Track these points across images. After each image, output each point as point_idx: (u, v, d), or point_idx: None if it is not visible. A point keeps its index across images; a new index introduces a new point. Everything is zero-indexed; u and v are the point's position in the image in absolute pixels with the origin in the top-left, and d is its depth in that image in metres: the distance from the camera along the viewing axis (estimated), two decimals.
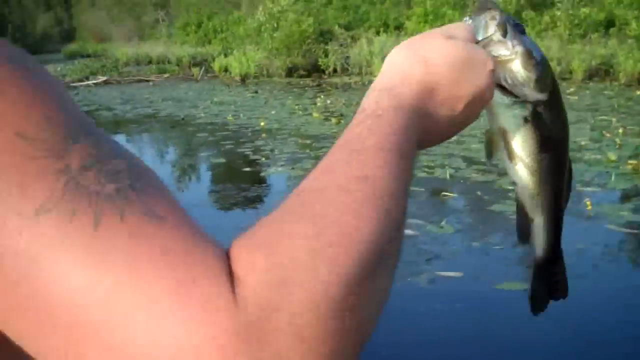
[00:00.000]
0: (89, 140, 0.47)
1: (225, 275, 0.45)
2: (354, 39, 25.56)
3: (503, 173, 8.36)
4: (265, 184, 8.93)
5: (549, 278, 0.93)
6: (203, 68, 27.40)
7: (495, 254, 5.70)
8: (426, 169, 8.82)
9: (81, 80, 24.83)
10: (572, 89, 17.29)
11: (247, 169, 9.70)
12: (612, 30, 23.61)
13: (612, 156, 8.94)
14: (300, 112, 14.86)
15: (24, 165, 0.44)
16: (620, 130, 10.96)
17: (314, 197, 0.53)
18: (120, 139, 12.21)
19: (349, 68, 23.97)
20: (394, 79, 0.68)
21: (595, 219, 6.54)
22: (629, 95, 15.91)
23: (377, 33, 26.51)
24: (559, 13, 24.97)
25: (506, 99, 0.78)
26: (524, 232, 0.90)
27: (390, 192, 0.55)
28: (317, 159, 0.53)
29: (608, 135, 10.72)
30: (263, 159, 10.20)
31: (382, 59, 0.72)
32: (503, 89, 0.77)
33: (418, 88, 0.67)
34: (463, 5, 25.47)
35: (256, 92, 20.18)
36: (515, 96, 0.78)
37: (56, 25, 70.99)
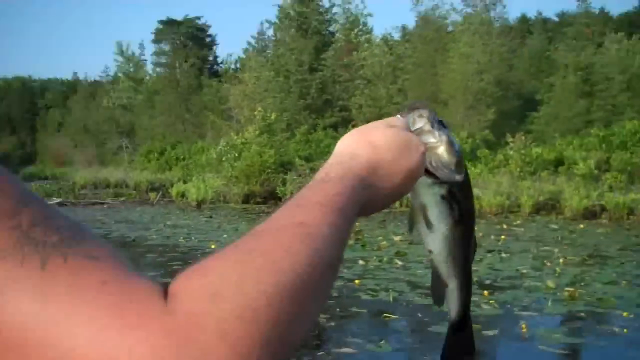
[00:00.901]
0: (36, 205, 0.57)
1: (158, 293, 0.52)
2: (314, 170, 26.01)
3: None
4: None
5: (461, 337, 1.04)
6: (160, 192, 27.57)
7: None
8: (370, 292, 8.88)
9: None
10: (519, 222, 17.71)
11: None
12: (561, 168, 24.49)
13: (551, 284, 9.11)
14: None
15: None
16: (561, 260, 11.22)
17: (252, 237, 0.62)
18: None
19: None
20: (344, 156, 0.80)
21: (529, 340, 6.63)
22: (573, 228, 16.34)
23: None
24: (511, 152, 25.88)
25: (429, 180, 0.91)
26: (438, 296, 1.02)
27: (324, 237, 0.64)
28: None
29: (549, 264, 10.95)
30: None
31: None
32: (426, 171, 0.90)
33: (366, 165, 0.78)
34: None
35: (210, 216, 20.32)
36: (436, 177, 0.90)
37: (18, 149, 71.15)
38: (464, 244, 0.96)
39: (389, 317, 7.68)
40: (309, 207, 0.68)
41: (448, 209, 0.92)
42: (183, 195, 26.12)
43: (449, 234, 0.93)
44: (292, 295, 0.56)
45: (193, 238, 14.93)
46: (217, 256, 0.58)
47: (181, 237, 15.06)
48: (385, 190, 0.80)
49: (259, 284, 0.54)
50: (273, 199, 24.40)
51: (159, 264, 11.85)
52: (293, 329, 0.57)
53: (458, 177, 0.91)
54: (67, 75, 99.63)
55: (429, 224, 0.93)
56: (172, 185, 28.27)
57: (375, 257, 11.60)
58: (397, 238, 13.68)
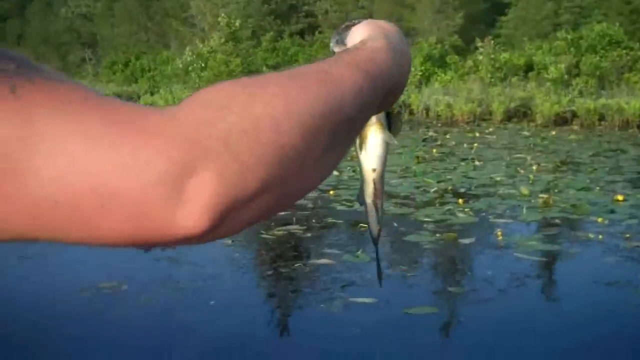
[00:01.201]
0: None
1: (149, 107, 0.50)
2: None
3: (420, 206, 8.52)
4: None
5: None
6: None
7: (407, 281, 5.76)
8: (345, 202, 8.88)
9: None
10: (491, 129, 17.79)
11: None
12: (531, 74, 24.50)
13: (525, 191, 9.19)
14: None
15: None
16: (534, 167, 11.33)
17: (268, 74, 0.58)
18: None
19: None
20: (376, 35, 0.73)
21: (505, 248, 6.71)
22: (545, 135, 16.46)
23: None
24: (480, 57, 25.78)
25: None
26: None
27: (346, 90, 0.59)
28: None
29: (522, 171, 11.05)
30: None
31: None
32: None
33: (394, 45, 0.73)
34: None
35: None
36: None
37: None
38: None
39: (365, 227, 7.69)
40: (337, 63, 0.63)
41: (387, 125, 0.87)
42: None
43: (386, 150, 0.88)
44: (302, 131, 0.53)
45: None
46: (229, 80, 0.56)
47: None
48: (403, 77, 0.75)
49: (268, 107, 0.52)
50: None
51: None
52: (297, 169, 0.53)
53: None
54: None
55: (379, 141, 0.87)
56: (139, 98, 27.88)
57: (348, 168, 11.58)
58: None
